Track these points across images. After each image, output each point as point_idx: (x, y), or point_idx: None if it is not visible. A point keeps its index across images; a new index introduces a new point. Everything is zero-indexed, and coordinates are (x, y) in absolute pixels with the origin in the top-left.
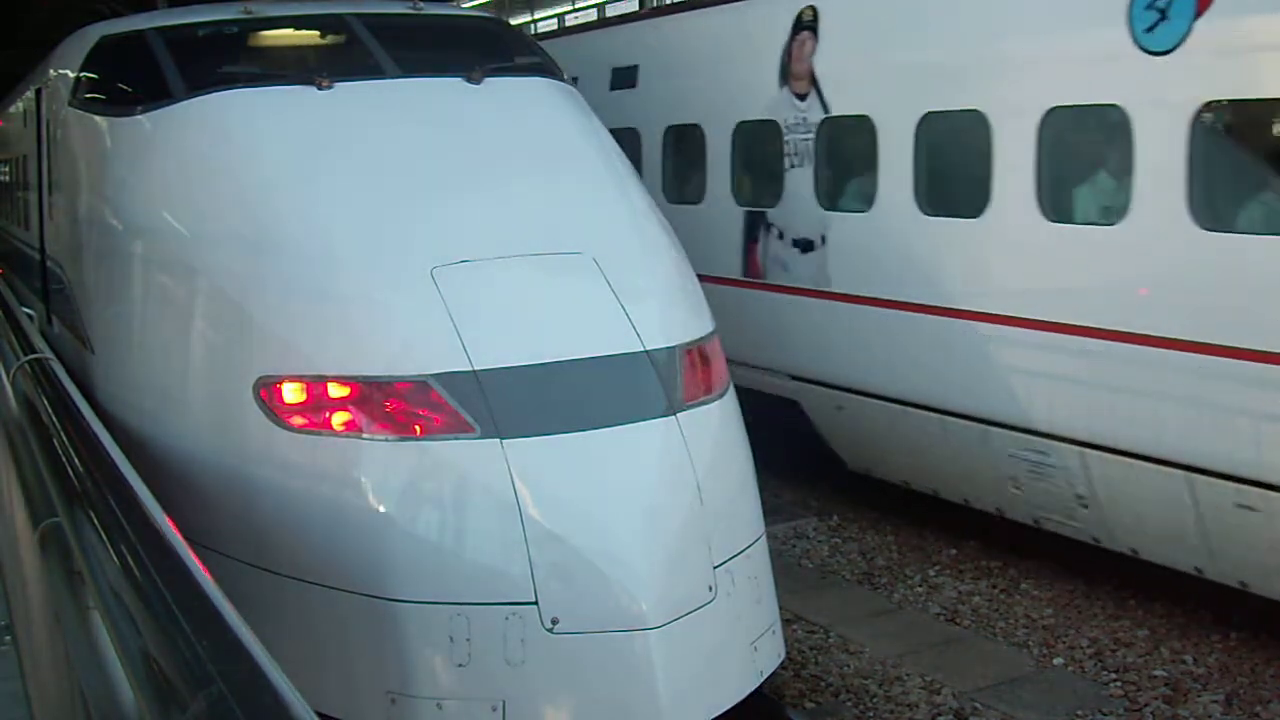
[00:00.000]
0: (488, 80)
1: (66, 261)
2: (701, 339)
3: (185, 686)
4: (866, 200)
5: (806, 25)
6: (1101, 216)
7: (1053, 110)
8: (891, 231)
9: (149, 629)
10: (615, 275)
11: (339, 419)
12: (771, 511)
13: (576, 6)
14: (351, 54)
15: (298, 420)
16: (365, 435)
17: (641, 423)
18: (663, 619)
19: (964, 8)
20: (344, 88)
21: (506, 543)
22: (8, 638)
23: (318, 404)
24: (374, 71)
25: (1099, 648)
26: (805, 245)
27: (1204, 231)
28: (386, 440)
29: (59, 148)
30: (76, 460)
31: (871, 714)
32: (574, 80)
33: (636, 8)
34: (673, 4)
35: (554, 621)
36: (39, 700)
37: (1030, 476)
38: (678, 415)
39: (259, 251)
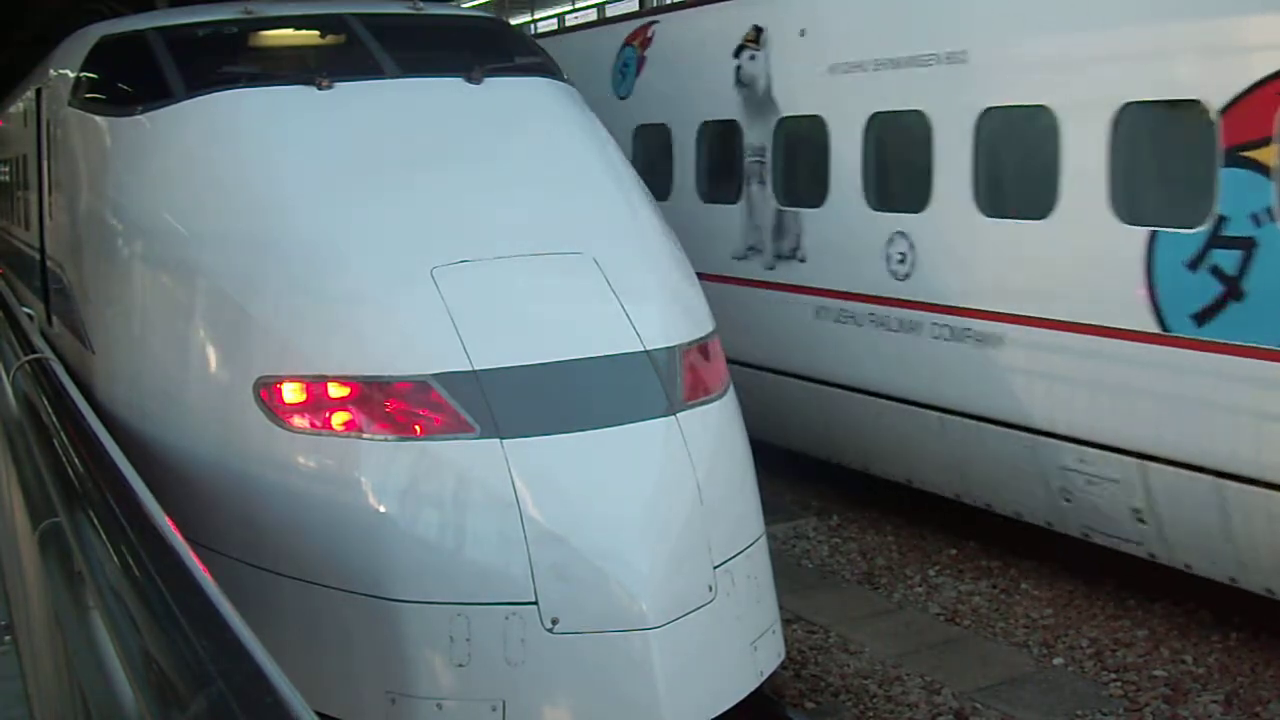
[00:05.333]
0: (487, 80)
1: (66, 261)
2: (702, 339)
3: (185, 686)
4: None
5: None
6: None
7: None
8: None
9: (149, 629)
10: (615, 275)
11: (339, 419)
12: (771, 511)
13: (576, 6)
14: (351, 54)
15: (298, 420)
16: (365, 435)
17: (642, 423)
18: (663, 619)
19: None
20: (344, 88)
21: (506, 543)
22: (8, 638)
23: (318, 404)
24: (374, 71)
25: (1099, 648)
26: None
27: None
28: (386, 440)
29: (59, 148)
30: (76, 460)
31: (871, 714)
32: None
33: (636, 7)
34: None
35: (554, 621)
36: (39, 700)
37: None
38: (678, 415)
39: (259, 251)
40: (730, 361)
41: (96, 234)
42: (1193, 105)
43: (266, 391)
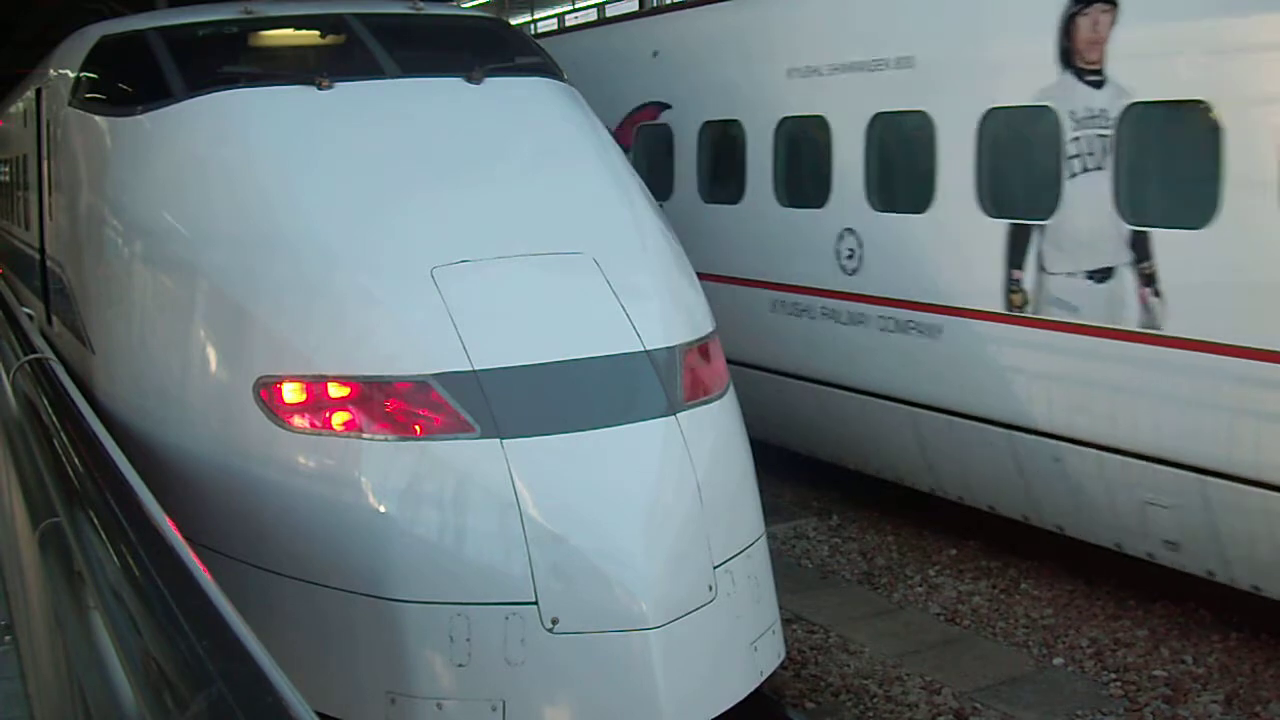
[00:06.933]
0: (488, 80)
1: (66, 261)
2: (702, 339)
3: (185, 686)
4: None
5: None
6: None
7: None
8: None
9: (149, 629)
10: (615, 275)
11: (339, 419)
12: (771, 511)
13: (576, 6)
14: (351, 54)
15: (298, 420)
16: (365, 435)
17: (642, 423)
18: (663, 619)
19: None
20: (344, 88)
21: (506, 543)
22: (8, 638)
23: (318, 404)
24: (374, 71)
25: (1099, 648)
26: None
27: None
28: (386, 440)
29: (59, 148)
30: (76, 460)
31: (871, 714)
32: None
33: (636, 7)
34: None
35: (554, 621)
36: (39, 700)
37: None
38: (678, 415)
39: (259, 251)
40: None
41: (97, 234)
42: None
43: (266, 391)
